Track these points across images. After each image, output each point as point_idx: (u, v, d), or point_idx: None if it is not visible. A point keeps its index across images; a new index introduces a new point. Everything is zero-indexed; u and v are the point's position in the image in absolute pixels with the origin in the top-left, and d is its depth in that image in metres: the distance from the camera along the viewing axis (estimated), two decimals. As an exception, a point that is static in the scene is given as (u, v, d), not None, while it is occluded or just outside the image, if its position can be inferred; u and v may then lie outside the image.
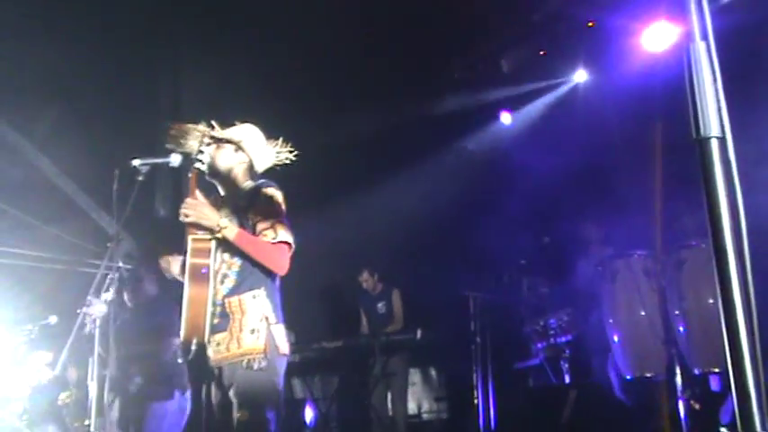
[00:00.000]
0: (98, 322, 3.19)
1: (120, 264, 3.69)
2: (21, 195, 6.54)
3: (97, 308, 3.19)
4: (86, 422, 5.29)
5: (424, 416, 7.17)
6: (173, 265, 3.42)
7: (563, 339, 5.56)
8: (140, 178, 3.22)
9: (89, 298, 3.17)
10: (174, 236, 4.32)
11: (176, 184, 7.05)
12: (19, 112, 6.43)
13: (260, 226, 3.23)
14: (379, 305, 6.98)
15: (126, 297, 4.72)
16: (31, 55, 6.19)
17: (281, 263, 3.21)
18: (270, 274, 3.29)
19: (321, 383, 7.07)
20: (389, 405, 6.63)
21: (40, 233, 6.59)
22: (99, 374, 3.19)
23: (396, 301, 6.97)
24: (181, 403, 5.10)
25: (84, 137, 6.61)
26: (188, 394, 5.14)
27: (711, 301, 4.35)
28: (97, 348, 3.18)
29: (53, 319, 5.03)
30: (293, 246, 3.23)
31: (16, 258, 6.09)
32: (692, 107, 1.59)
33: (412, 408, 7.08)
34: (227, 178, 3.40)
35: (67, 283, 6.20)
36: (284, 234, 3.21)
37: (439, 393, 7.19)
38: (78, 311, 3.25)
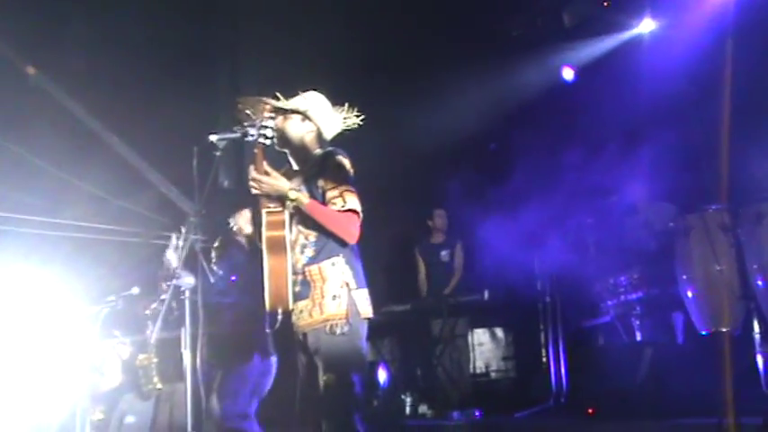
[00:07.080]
0: (187, 294, 3.29)
1: (198, 236, 3.77)
2: (89, 170, 6.68)
3: (186, 280, 3.29)
4: (159, 386, 5.46)
5: (492, 374, 7.19)
6: (242, 219, 3.51)
7: (634, 296, 5.49)
8: (218, 153, 3.29)
9: (178, 271, 3.26)
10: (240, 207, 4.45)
11: (238, 155, 7.13)
12: (88, 92, 6.58)
13: (329, 194, 3.27)
14: (443, 253, 7.15)
15: (213, 265, 4.75)
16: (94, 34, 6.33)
17: (350, 231, 3.25)
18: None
19: (390, 346, 7.16)
20: (456, 365, 6.71)
21: (108, 207, 6.72)
22: (191, 344, 3.30)
23: (458, 254, 7.15)
24: (264, 367, 5.18)
25: (149, 115, 6.72)
26: (273, 359, 5.22)
27: (792, 254, 4.27)
28: (188, 319, 3.28)
29: (135, 290, 5.14)
30: (361, 214, 3.27)
31: (86, 232, 6.19)
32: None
33: (480, 367, 7.12)
34: (296, 148, 3.45)
35: (140, 256, 6.34)
36: (353, 202, 3.25)
37: (506, 353, 7.16)
38: (168, 284, 3.35)
